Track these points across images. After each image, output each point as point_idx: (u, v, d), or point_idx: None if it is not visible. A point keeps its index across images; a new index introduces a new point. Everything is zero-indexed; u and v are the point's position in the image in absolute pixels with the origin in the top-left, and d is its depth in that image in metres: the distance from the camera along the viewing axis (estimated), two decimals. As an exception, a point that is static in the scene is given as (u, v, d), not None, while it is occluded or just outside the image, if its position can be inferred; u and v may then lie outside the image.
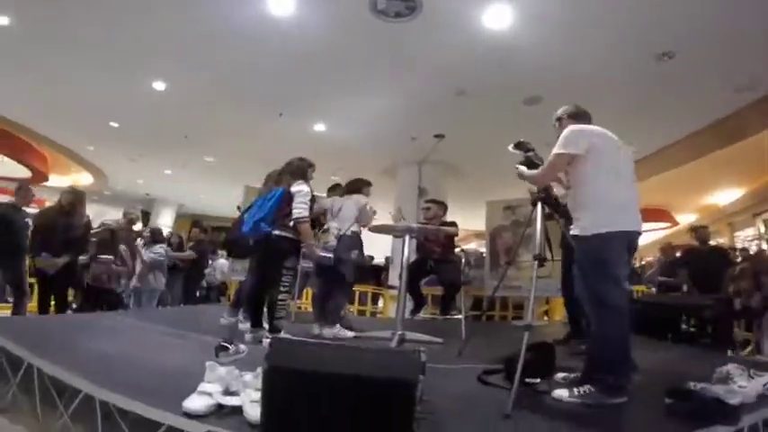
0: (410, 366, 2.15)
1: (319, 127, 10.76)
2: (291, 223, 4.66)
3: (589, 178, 3.08)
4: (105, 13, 6.67)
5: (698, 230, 7.76)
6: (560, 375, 3.27)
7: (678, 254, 8.89)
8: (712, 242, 9.56)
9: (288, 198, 4.71)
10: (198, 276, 9.39)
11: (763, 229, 14.26)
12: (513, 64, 7.45)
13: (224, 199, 16.55)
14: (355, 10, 6.37)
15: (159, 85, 8.88)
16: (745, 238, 14.06)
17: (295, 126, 10.61)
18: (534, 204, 3.70)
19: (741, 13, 5.94)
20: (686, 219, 17.41)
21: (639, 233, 3.14)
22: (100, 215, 8.94)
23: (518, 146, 3.93)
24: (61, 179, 15.90)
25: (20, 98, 9.99)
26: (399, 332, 4.71)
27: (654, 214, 16.41)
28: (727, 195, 14.85)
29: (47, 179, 15.56)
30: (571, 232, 3.17)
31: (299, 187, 4.76)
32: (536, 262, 3.36)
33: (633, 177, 3.24)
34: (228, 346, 3.41)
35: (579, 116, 3.49)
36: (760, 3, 5.76)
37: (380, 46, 7.25)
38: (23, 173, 14.63)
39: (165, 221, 19.06)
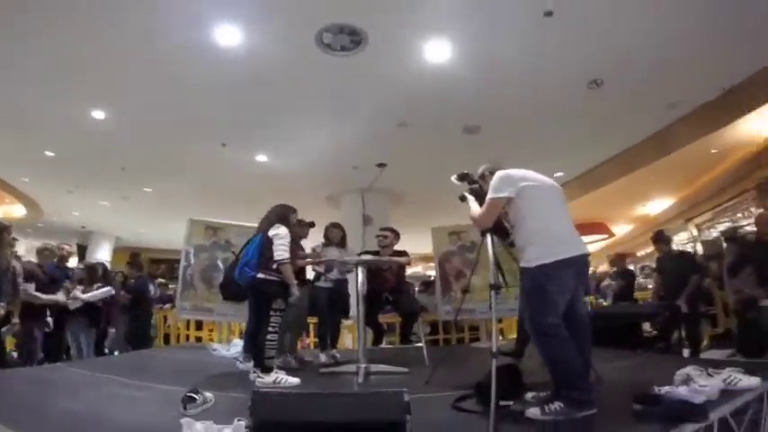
0: (396, 407, 2.17)
1: (261, 157, 10.66)
2: (275, 266, 4.74)
3: (525, 216, 3.28)
4: (41, 36, 6.32)
5: (661, 234, 7.83)
6: (530, 395, 3.38)
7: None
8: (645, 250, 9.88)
9: (267, 242, 4.84)
10: (146, 316, 8.71)
11: (695, 232, 15.03)
12: (453, 95, 7.68)
13: (165, 232, 16.39)
14: (302, 43, 6.43)
15: (98, 114, 8.47)
16: (680, 242, 14.65)
17: (237, 156, 10.49)
18: (483, 235, 3.79)
19: (666, 41, 6.38)
20: (622, 230, 18.32)
21: (585, 255, 3.29)
22: (32, 251, 8.36)
23: (462, 177, 4.06)
24: None
25: None
26: (363, 365, 4.70)
27: (591, 228, 17.03)
28: (658, 205, 15.64)
29: None
30: (520, 263, 3.30)
31: (276, 231, 4.90)
32: (493, 291, 3.46)
33: (564, 207, 3.46)
34: (195, 396, 3.29)
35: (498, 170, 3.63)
36: (682, 31, 6.20)
37: (325, 78, 7.33)
38: None
39: (102, 255, 18.03)
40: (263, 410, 2.13)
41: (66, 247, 7.76)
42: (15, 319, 5.82)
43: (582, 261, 3.25)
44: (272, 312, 4.71)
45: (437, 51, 6.64)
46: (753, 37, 6.23)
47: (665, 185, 13.55)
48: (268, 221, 5.07)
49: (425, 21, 6.12)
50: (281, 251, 4.78)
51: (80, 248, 18.64)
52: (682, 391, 2.97)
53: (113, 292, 7.38)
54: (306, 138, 9.55)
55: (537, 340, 3.18)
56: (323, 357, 5.95)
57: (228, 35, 6.30)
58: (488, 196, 3.38)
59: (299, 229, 6.13)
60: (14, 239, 6.76)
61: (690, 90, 7.73)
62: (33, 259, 7.20)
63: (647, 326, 7.23)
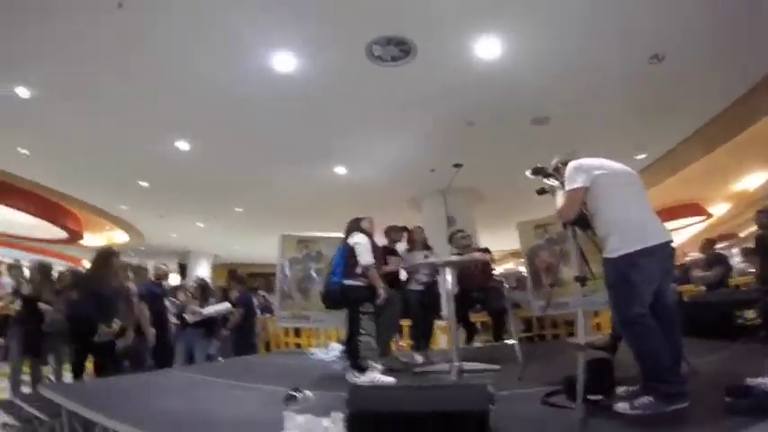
0: (480, 398, 2.31)
1: (340, 170, 11.11)
2: (359, 271, 5.01)
3: (601, 206, 3.27)
4: (128, 79, 7.13)
5: (759, 215, 7.25)
6: (621, 389, 3.31)
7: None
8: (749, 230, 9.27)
9: (349, 251, 5.15)
10: (250, 326, 8.93)
11: None
12: (513, 89, 7.76)
13: (258, 247, 17.13)
14: (353, 59, 6.79)
15: (183, 145, 9.30)
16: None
17: (317, 172, 11.03)
18: (565, 227, 3.79)
19: (726, 6, 6.13)
20: (720, 209, 17.25)
21: (667, 242, 3.19)
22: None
23: (536, 172, 4.07)
24: (96, 237, 16.54)
25: (49, 162, 10.36)
26: (457, 364, 4.81)
27: (686, 210, 16.29)
28: (756, 179, 14.65)
29: (81, 238, 16.08)
30: (603, 254, 3.28)
31: (354, 239, 5.22)
32: (578, 283, 3.48)
33: (642, 194, 3.40)
34: (296, 394, 3.51)
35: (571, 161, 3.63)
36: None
37: (383, 89, 7.63)
38: (57, 233, 15.08)
39: (202, 272, 19.18)
40: (358, 402, 2.33)
41: (163, 267, 8.27)
42: (130, 334, 6.31)
43: (665, 249, 3.16)
44: (361, 316, 4.91)
45: (487, 48, 6.78)
46: None
47: (758, 157, 12.73)
48: (347, 232, 5.41)
49: (469, 21, 6.27)
50: (363, 257, 5.03)
51: (181, 267, 19.69)
52: None
53: (230, 307, 8.00)
54: (379, 146, 9.92)
55: (623, 331, 3.18)
56: (418, 358, 6.09)
57: (284, 62, 6.83)
58: (565, 188, 3.39)
59: (394, 234, 6.69)
60: (126, 263, 7.42)
61: (760, 55, 7.29)
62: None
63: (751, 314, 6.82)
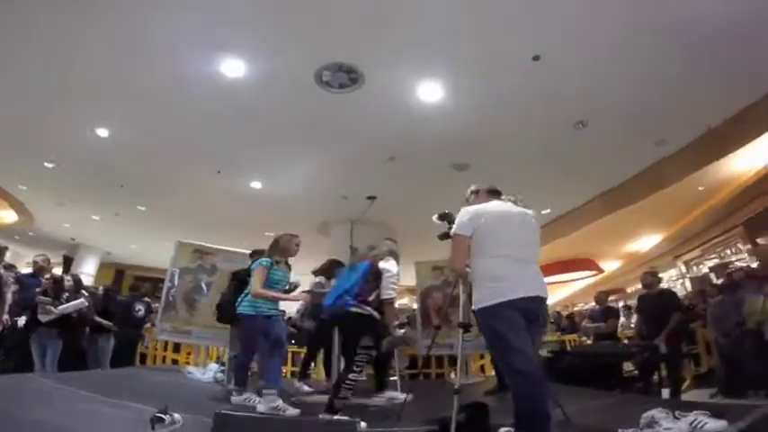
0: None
1: (255, 184, 10.81)
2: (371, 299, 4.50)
3: (473, 257, 3.27)
4: (54, 49, 6.46)
5: (645, 276, 7.60)
6: (503, 430, 3.28)
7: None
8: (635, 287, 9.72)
9: (374, 274, 4.58)
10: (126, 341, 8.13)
11: (684, 269, 15.27)
12: (443, 133, 7.94)
13: (153, 250, 16.38)
14: (302, 79, 6.70)
15: (102, 132, 8.65)
16: (669, 279, 14.69)
17: (232, 183, 10.66)
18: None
19: (647, 84, 6.63)
20: (611, 266, 18.23)
21: (534, 298, 3.15)
22: (16, 258, 8.12)
23: (442, 217, 4.12)
24: None
25: None
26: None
27: (580, 264, 17.15)
28: (647, 241, 15.63)
29: None
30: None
31: (387, 264, 4.65)
32: (461, 329, 3.56)
33: (527, 244, 3.35)
34: (164, 417, 3.27)
35: (492, 192, 3.67)
36: (666, 73, 6.41)
37: (321, 113, 7.58)
38: None
39: (88, 268, 17.96)
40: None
41: (41, 258, 7.65)
42: None
43: (531, 303, 3.12)
44: (359, 350, 4.34)
45: (430, 91, 6.97)
46: (733, 78, 6.47)
47: (653, 222, 13.64)
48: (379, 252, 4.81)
49: (420, 63, 6.45)
50: (390, 289, 4.51)
51: (66, 260, 18.43)
52: None
53: (86, 303, 7.02)
54: (299, 167, 9.74)
55: (508, 377, 3.13)
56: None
57: (234, 67, 6.57)
58: (452, 232, 3.36)
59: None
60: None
61: (675, 129, 7.89)
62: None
63: (629, 366, 7.11)
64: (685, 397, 6.43)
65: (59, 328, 6.61)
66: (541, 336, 3.52)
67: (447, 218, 4.05)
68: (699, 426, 3.13)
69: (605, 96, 6.93)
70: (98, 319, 7.40)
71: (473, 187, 3.84)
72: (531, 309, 3.12)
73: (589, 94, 6.93)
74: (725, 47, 5.87)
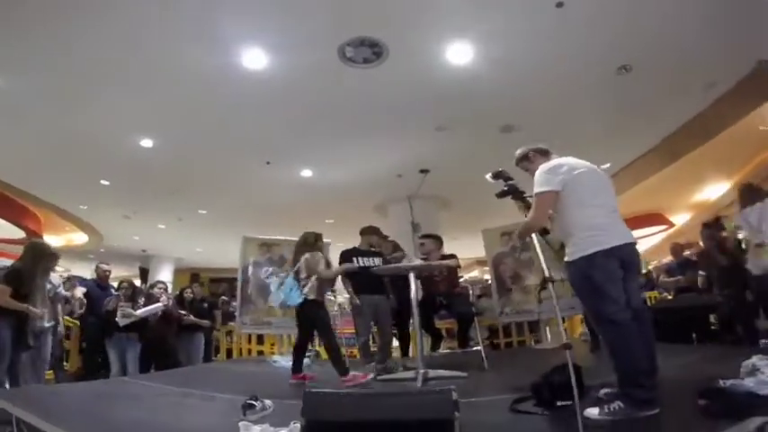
0: (444, 405, 2.17)
1: (306, 173, 10.86)
2: None
3: (566, 209, 3.22)
4: (88, 71, 6.75)
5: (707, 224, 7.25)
6: (603, 391, 3.26)
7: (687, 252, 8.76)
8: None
9: None
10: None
11: None
12: (483, 95, 7.70)
13: (221, 251, 16.48)
14: (325, 58, 6.63)
15: (147, 143, 8.91)
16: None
17: (283, 173, 10.74)
18: (521, 237, 3.72)
19: (688, 20, 6.24)
20: (681, 219, 17.59)
21: (629, 245, 3.19)
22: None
23: (497, 175, 3.96)
24: (56, 238, 15.59)
25: (6, 156, 9.63)
26: (422, 371, 4.66)
27: (648, 219, 16.53)
28: (716, 189, 14.98)
29: (41, 238, 15.19)
30: (564, 259, 3.25)
31: None
32: (550, 284, 3.39)
33: (609, 193, 3.37)
34: (255, 403, 3.37)
35: (543, 152, 3.64)
36: (704, 9, 6.05)
37: (353, 90, 7.50)
38: (16, 233, 14.20)
39: (164, 276, 18.07)
40: (314, 410, 2.18)
41: (103, 266, 8.02)
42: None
43: (625, 249, 3.14)
44: None
45: (459, 54, 6.74)
46: None
47: (718, 169, 13.07)
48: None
49: (443, 25, 6.24)
50: None
51: (143, 271, 19.18)
52: (747, 383, 2.85)
53: (163, 307, 7.29)
54: (346, 150, 9.73)
55: (601, 330, 3.13)
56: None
57: (255, 59, 6.61)
58: (535, 190, 3.29)
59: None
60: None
61: (724, 68, 7.44)
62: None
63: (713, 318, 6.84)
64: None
65: (138, 331, 6.89)
66: (638, 282, 3.44)
67: (502, 175, 3.89)
68: (804, 368, 2.96)
69: (647, 35, 6.49)
70: (188, 316, 7.79)
71: (520, 151, 3.78)
72: (628, 256, 3.17)
73: (629, 35, 6.49)
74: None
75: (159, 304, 7.20)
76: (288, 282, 5.33)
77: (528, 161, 3.68)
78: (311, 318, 5.32)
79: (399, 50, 6.56)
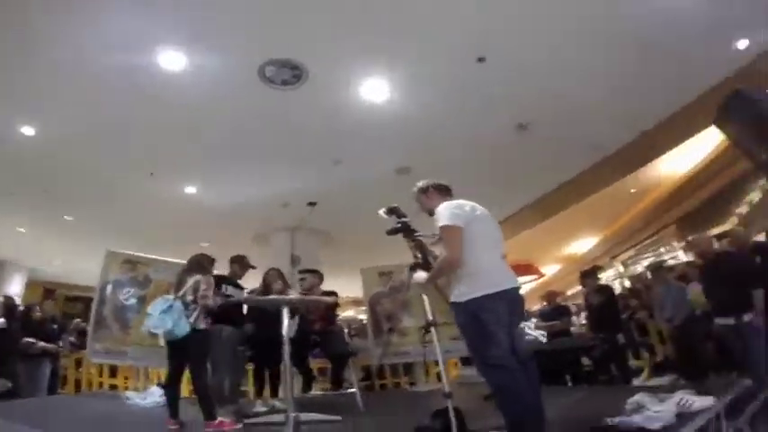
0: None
1: (190, 189, 10.24)
2: None
3: (465, 250, 3.14)
4: None
5: (586, 272, 7.98)
6: None
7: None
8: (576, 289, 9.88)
9: None
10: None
11: (622, 269, 15.78)
12: (387, 135, 7.87)
13: (83, 265, 14.65)
14: (244, 74, 6.47)
15: (28, 130, 7.89)
16: (608, 279, 15.06)
17: (165, 187, 10.04)
18: (413, 270, 3.63)
19: (589, 86, 6.84)
20: (551, 269, 18.82)
21: (515, 289, 3.22)
22: None
23: (391, 211, 3.91)
24: None
25: None
26: (293, 414, 4.28)
27: (521, 269, 17.18)
28: (584, 244, 16.19)
29: None
30: (450, 300, 3.19)
31: None
32: (432, 328, 3.44)
33: (497, 239, 3.38)
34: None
35: (443, 189, 3.63)
36: (604, 76, 6.67)
37: (262, 111, 7.34)
38: None
39: (13, 289, 15.90)
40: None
41: None
42: None
43: (514, 294, 3.17)
44: None
45: (374, 90, 6.89)
46: (665, 83, 6.82)
47: (589, 225, 14.21)
48: None
49: (363, 61, 6.36)
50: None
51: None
52: (636, 420, 2.96)
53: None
54: (238, 170, 9.34)
55: (484, 374, 3.06)
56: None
57: (174, 59, 6.23)
58: (443, 224, 3.20)
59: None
60: None
61: (610, 134, 8.17)
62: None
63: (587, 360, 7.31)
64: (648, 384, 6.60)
65: None
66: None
67: (395, 212, 3.86)
68: (687, 404, 3.14)
69: (546, 98, 7.03)
70: (35, 343, 6.95)
71: (421, 184, 3.73)
72: (515, 299, 3.18)
73: (531, 97, 7.00)
74: (656, 53, 6.24)
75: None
76: (176, 306, 4.72)
77: (425, 196, 3.63)
78: (199, 351, 4.73)
79: (318, 77, 6.54)
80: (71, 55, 6.14)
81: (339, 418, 4.68)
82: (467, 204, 3.33)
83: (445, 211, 3.23)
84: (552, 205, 11.08)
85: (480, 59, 6.07)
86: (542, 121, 7.63)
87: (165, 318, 4.63)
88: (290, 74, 6.44)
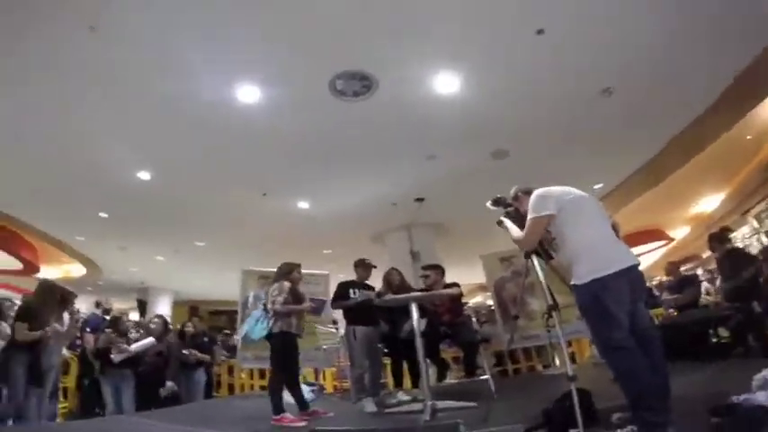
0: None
1: (303, 204, 10.87)
2: None
3: (569, 233, 3.17)
4: (87, 105, 6.78)
5: (712, 236, 7.31)
6: (615, 416, 3.20)
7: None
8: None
9: None
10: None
11: (756, 224, 14.23)
12: (473, 122, 7.80)
13: (220, 283, 16.28)
14: (316, 92, 6.76)
15: (144, 175, 8.91)
16: (743, 237, 14.03)
17: (279, 205, 10.74)
18: (527, 257, 3.74)
19: (663, 42, 6.35)
20: (681, 232, 17.55)
21: (635, 266, 3.12)
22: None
23: (496, 202, 3.99)
24: (53, 270, 15.35)
25: (5, 188, 9.47)
26: (430, 402, 4.58)
27: (648, 235, 16.49)
28: (711, 201, 15.00)
29: (38, 271, 14.76)
30: (571, 282, 3.17)
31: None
32: (554, 312, 3.41)
33: (605, 219, 3.34)
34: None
35: (530, 192, 3.55)
36: (679, 28, 6.15)
37: (345, 122, 7.59)
38: (12, 264, 13.90)
39: (163, 309, 17.95)
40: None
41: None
42: None
43: (632, 272, 3.08)
44: None
45: (445, 83, 6.86)
46: (748, 22, 6.15)
47: (711, 181, 13.13)
48: None
49: (429, 57, 6.38)
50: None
51: (141, 303, 18.91)
52: (760, 397, 2.78)
53: (154, 341, 7.21)
54: (340, 181, 9.76)
55: (605, 358, 3.05)
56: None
57: (249, 93, 6.72)
58: (529, 216, 3.29)
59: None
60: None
61: (702, 86, 7.53)
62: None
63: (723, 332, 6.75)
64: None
65: (133, 367, 6.79)
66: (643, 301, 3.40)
67: (501, 202, 3.93)
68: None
69: (626, 57, 6.61)
70: (192, 352, 7.63)
71: (512, 192, 3.82)
72: (636, 277, 3.10)
73: (609, 59, 6.62)
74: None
75: (151, 338, 7.15)
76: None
77: (518, 201, 3.74)
78: (275, 351, 5.21)
79: (388, 82, 6.68)
80: (164, 102, 6.80)
81: (474, 404, 4.79)
82: (554, 190, 3.33)
83: (533, 203, 3.30)
84: (662, 167, 10.38)
85: (539, 32, 5.87)
86: (626, 84, 7.18)
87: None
88: (359, 84, 6.65)
